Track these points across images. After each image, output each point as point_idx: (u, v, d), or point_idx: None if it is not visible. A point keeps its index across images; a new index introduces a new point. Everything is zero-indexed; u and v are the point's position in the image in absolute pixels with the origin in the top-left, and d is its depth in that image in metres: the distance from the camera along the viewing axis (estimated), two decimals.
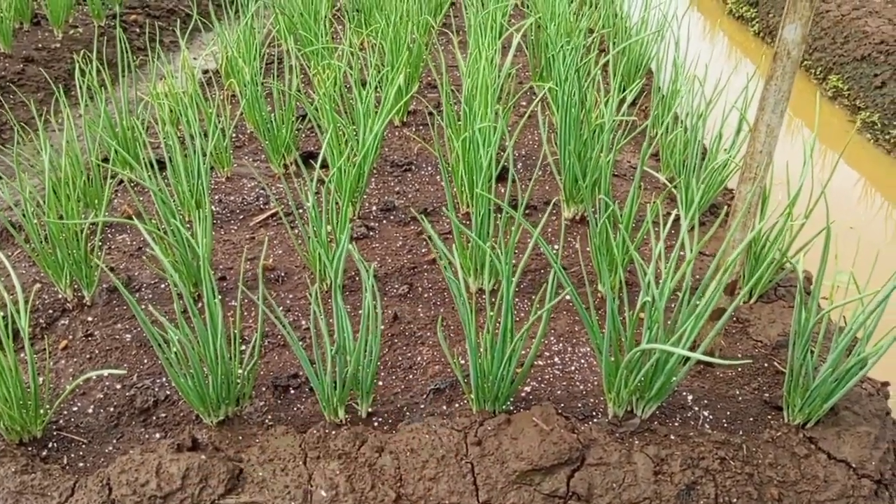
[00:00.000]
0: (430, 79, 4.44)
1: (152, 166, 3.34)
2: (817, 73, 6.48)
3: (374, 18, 4.59)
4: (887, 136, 5.28)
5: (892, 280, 1.72)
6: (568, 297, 2.43)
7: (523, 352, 2.12)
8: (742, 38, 7.73)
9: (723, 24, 8.29)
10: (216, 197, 3.09)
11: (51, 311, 2.38)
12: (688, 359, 1.77)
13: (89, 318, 2.35)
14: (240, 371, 1.94)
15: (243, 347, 2.18)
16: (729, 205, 3.14)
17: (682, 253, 2.53)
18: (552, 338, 2.24)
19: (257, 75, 3.52)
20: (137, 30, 6.12)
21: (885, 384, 2.27)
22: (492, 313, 1.86)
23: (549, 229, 2.84)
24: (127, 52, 3.62)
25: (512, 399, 1.98)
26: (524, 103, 4.13)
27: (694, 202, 1.94)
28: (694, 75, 3.34)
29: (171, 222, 2.28)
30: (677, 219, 2.95)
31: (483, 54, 3.06)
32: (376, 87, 3.65)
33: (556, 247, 2.71)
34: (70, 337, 2.28)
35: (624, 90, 4.25)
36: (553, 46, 3.54)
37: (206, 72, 5.32)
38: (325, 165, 3.27)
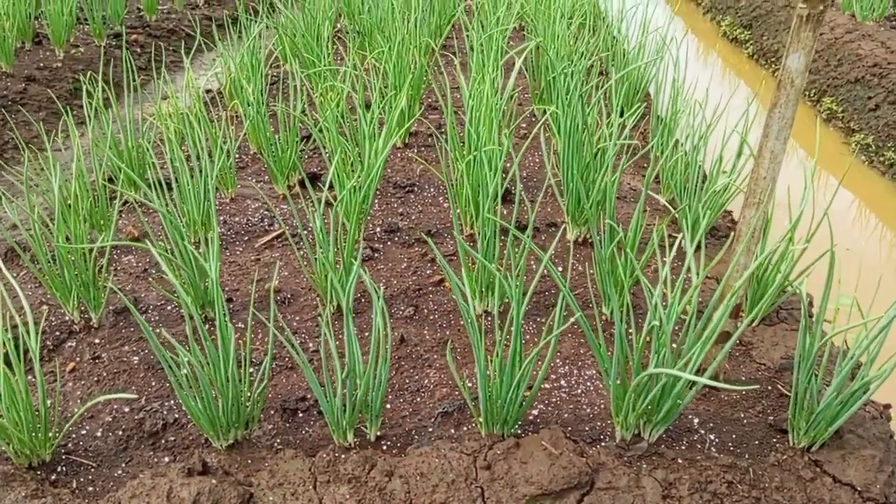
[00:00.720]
0: (430, 100, 4.48)
1: (160, 186, 3.37)
2: (811, 95, 6.55)
3: (376, 40, 4.63)
4: (881, 159, 5.34)
5: (894, 307, 1.75)
6: (574, 318, 2.45)
7: (532, 374, 2.14)
8: (736, 60, 7.82)
9: (717, 47, 8.38)
10: (221, 218, 3.10)
11: (58, 333, 2.39)
12: (695, 383, 1.79)
13: (97, 341, 2.36)
14: (249, 394, 1.95)
15: (251, 370, 2.19)
16: (729, 227, 3.18)
17: (687, 275, 2.56)
18: (558, 360, 2.26)
19: (261, 96, 3.55)
20: (139, 49, 6.16)
21: (888, 407, 2.30)
22: (499, 336, 1.88)
23: (554, 252, 2.86)
24: (132, 70, 3.64)
25: (520, 422, 1.99)
26: (525, 125, 4.18)
27: (701, 226, 1.97)
28: (694, 100, 3.38)
29: (181, 244, 2.29)
30: (679, 241, 2.99)
31: (486, 78, 3.09)
32: (380, 108, 3.69)
33: (560, 268, 2.74)
34: (78, 359, 2.28)
35: (623, 112, 4.30)
36: (554, 70, 3.59)
37: (208, 91, 5.35)
38: (330, 186, 3.30)
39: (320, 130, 3.35)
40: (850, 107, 6.04)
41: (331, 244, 2.33)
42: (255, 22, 4.76)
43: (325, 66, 4.14)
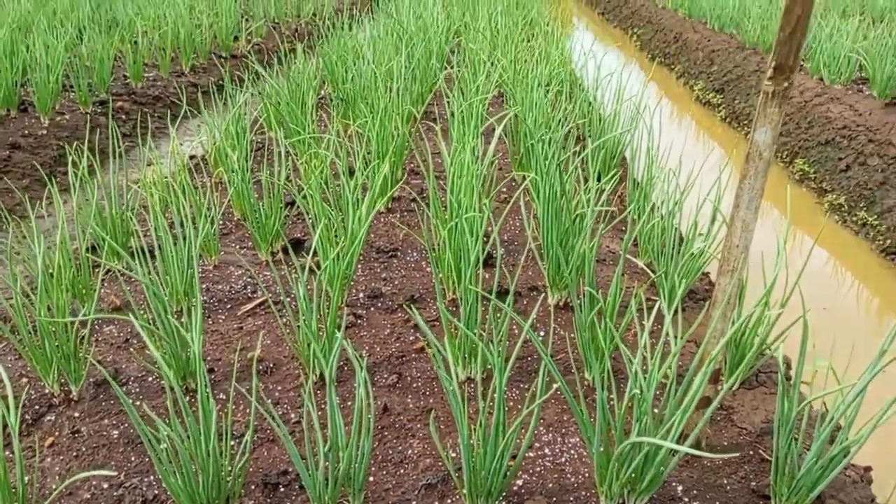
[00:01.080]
0: (413, 165, 4.56)
1: (143, 254, 3.37)
2: (784, 156, 6.74)
3: (359, 108, 4.74)
4: (854, 218, 5.47)
5: (869, 371, 1.78)
6: (556, 386, 2.46)
7: (515, 441, 2.14)
8: (709, 123, 8.04)
9: (691, 110, 8.63)
10: (204, 286, 3.11)
11: (37, 407, 2.36)
12: (677, 450, 1.80)
13: (76, 414, 2.34)
14: (230, 468, 1.93)
15: (233, 443, 2.18)
16: (707, 290, 3.23)
17: (666, 338, 2.59)
18: (542, 428, 2.26)
19: (246, 164, 3.61)
20: (124, 116, 6.23)
21: (868, 469, 2.31)
22: (483, 405, 1.88)
23: (535, 316, 2.89)
24: (117, 138, 3.69)
25: (504, 493, 1.98)
26: (506, 189, 4.25)
27: (677, 294, 2.01)
28: (668, 169, 3.48)
29: (163, 316, 2.30)
30: (657, 306, 3.03)
31: (466, 147, 3.17)
32: (363, 174, 3.75)
33: (541, 333, 2.76)
34: (57, 433, 2.26)
35: (600, 177, 4.39)
36: (532, 137, 3.68)
37: (192, 157, 5.41)
38: (314, 253, 3.32)
39: (304, 198, 3.40)
40: (822, 168, 6.21)
41: (313, 313, 2.35)
42: (241, 90, 4.86)
43: (308, 133, 4.22)
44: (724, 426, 2.33)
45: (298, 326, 2.43)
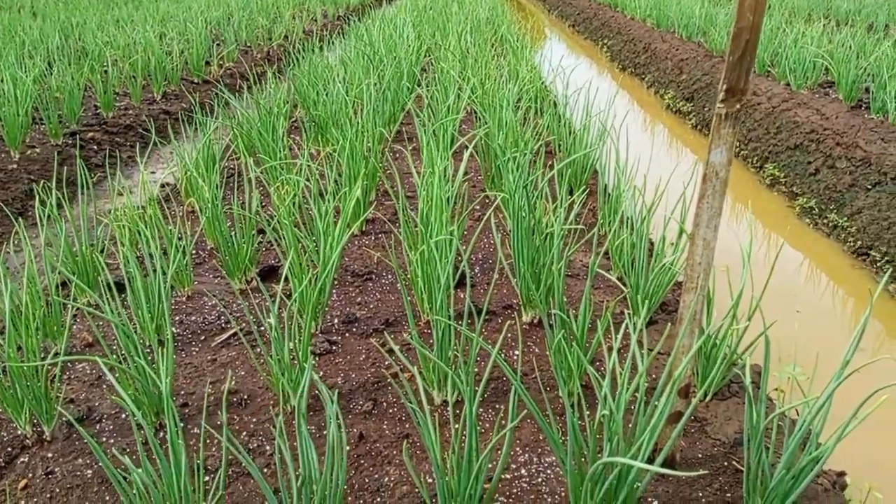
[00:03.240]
0: (386, 187, 4.57)
1: (112, 289, 3.35)
2: (754, 162, 6.83)
3: (330, 132, 4.75)
4: (825, 221, 5.55)
5: (834, 380, 1.81)
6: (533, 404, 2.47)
7: (490, 464, 2.14)
8: (681, 132, 8.13)
9: (662, 118, 8.72)
10: (177, 318, 3.10)
11: (10, 449, 2.33)
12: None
13: (49, 455, 2.31)
14: None
15: (207, 479, 2.16)
16: (679, 301, 3.26)
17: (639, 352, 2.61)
18: (518, 448, 2.27)
19: (217, 193, 3.60)
20: (95, 147, 6.20)
21: (842, 474, 2.34)
22: (455, 430, 1.89)
23: (509, 334, 2.91)
24: (85, 173, 3.68)
25: None
26: (479, 207, 4.28)
27: (642, 311, 2.03)
28: (638, 178, 3.52)
29: (132, 353, 2.29)
30: (625, 324, 3.05)
31: (436, 169, 3.19)
32: (335, 198, 3.76)
33: (516, 352, 2.77)
34: (30, 475, 2.23)
35: (572, 191, 4.43)
36: (502, 156, 3.71)
37: (164, 186, 5.40)
38: (287, 278, 3.32)
39: (275, 228, 3.39)
40: (792, 172, 6.30)
41: (284, 344, 2.35)
42: (212, 118, 4.86)
43: (280, 160, 4.22)
44: (697, 438, 2.35)
45: (271, 357, 2.43)
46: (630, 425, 2.00)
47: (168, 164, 5.97)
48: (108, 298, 2.51)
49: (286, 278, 3.21)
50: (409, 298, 3.11)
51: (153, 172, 6.03)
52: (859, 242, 5.12)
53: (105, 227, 3.63)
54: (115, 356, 2.57)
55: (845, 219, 5.39)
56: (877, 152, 5.54)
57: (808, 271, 5.08)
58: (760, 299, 2.27)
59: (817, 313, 4.37)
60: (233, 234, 3.38)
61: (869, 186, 5.42)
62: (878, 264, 4.85)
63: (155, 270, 2.81)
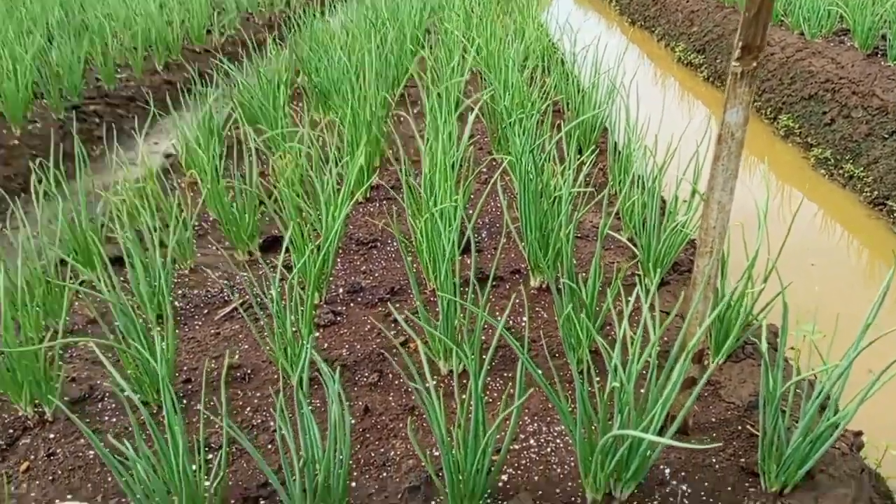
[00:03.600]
0: (392, 151, 4.48)
1: (108, 268, 3.30)
2: (768, 113, 6.65)
3: (333, 99, 4.64)
4: (841, 171, 5.41)
5: (853, 349, 1.73)
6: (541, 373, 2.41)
7: (499, 434, 2.09)
8: (693, 84, 7.94)
9: (673, 71, 8.52)
10: (179, 291, 3.05)
11: (11, 431, 2.31)
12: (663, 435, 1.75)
13: (51, 436, 2.28)
14: (206, 484, 1.88)
15: (210, 456, 2.13)
16: (691, 260, 3.17)
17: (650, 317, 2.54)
18: (526, 418, 2.22)
19: (218, 164, 3.53)
20: (97, 120, 6.13)
21: (859, 434, 2.28)
22: (464, 397, 1.83)
23: (518, 300, 2.84)
24: (82, 150, 3.60)
25: (489, 490, 1.94)
26: (486, 170, 4.18)
27: (652, 279, 1.95)
28: (649, 139, 3.40)
29: (131, 339, 2.24)
30: (636, 291, 2.97)
31: (440, 135, 3.09)
32: (338, 165, 3.68)
33: (524, 319, 2.71)
34: (32, 457, 2.21)
35: (581, 151, 4.32)
36: (508, 118, 3.60)
37: (169, 156, 5.33)
38: (290, 249, 3.26)
39: (276, 198, 3.31)
40: (807, 122, 6.13)
41: (287, 317, 2.29)
42: (213, 87, 4.76)
43: (281, 129, 4.14)
44: (711, 402, 2.29)
45: (274, 333, 2.37)
46: (642, 391, 1.94)
47: (171, 135, 5.89)
48: (105, 277, 2.46)
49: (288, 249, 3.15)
50: (413, 268, 3.05)
51: (156, 143, 5.95)
52: (876, 192, 4.98)
53: (105, 204, 3.57)
54: (116, 335, 2.52)
55: (861, 169, 5.24)
56: (894, 101, 5.37)
57: (823, 223, 4.96)
58: (776, 260, 2.18)
59: (833, 266, 4.26)
60: (234, 206, 3.31)
61: (886, 136, 5.26)
62: (895, 214, 4.73)
63: (155, 245, 2.76)
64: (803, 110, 6.26)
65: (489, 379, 2.40)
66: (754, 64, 1.71)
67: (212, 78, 5.41)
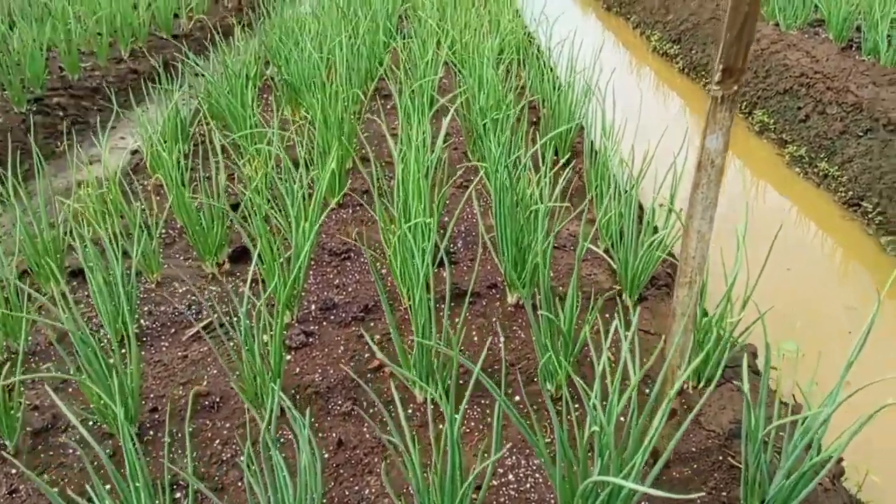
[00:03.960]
0: (363, 152, 4.38)
1: (78, 275, 3.18)
2: (742, 108, 6.63)
3: (303, 96, 4.52)
4: (815, 170, 5.41)
5: (836, 390, 1.70)
6: (519, 399, 2.37)
7: (477, 465, 2.04)
8: (668, 75, 7.89)
9: (648, 61, 8.47)
10: (145, 308, 2.95)
11: None
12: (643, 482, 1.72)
13: (13, 471, 2.19)
14: None
15: (178, 495, 2.05)
16: (668, 273, 3.14)
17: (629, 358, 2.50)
18: (505, 451, 2.17)
19: (184, 167, 3.41)
20: (61, 113, 5.93)
21: (839, 461, 2.27)
22: (441, 426, 1.78)
23: (494, 318, 2.78)
24: (41, 163, 3.45)
25: None
26: (462, 172, 4.10)
27: (632, 306, 1.90)
28: (621, 147, 3.35)
29: (94, 361, 2.15)
30: (619, 294, 2.93)
31: (413, 141, 3.01)
32: (308, 171, 3.58)
33: (501, 340, 2.65)
34: None
35: (557, 152, 4.26)
36: (482, 119, 3.53)
37: (135, 152, 5.17)
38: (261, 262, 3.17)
39: (246, 210, 3.21)
40: (781, 118, 6.12)
41: (256, 345, 2.21)
42: (177, 83, 4.61)
43: (250, 128, 4.02)
44: (691, 429, 2.25)
45: (240, 359, 2.29)
46: (622, 418, 1.90)
47: (137, 128, 5.71)
48: (62, 300, 2.35)
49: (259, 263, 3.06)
50: (386, 285, 2.97)
51: (122, 138, 5.78)
52: (850, 193, 4.99)
53: (69, 209, 3.44)
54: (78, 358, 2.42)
55: (836, 168, 5.25)
56: (868, 97, 5.36)
57: (798, 224, 4.96)
58: (754, 289, 2.14)
59: (809, 272, 4.26)
60: (201, 215, 3.20)
61: (860, 133, 5.26)
62: (870, 215, 4.74)
63: (118, 257, 2.66)
64: (778, 105, 6.25)
65: (466, 406, 2.34)
66: (735, 88, 1.65)
67: (178, 69, 5.26)
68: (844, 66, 5.87)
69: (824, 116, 5.68)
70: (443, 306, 2.77)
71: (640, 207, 3.97)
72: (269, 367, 2.22)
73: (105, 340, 2.72)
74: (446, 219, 3.55)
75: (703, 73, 7.47)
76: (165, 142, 4.05)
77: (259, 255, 2.71)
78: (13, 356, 2.67)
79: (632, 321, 2.77)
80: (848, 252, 4.55)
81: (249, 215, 3.09)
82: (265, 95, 5.60)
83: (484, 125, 3.72)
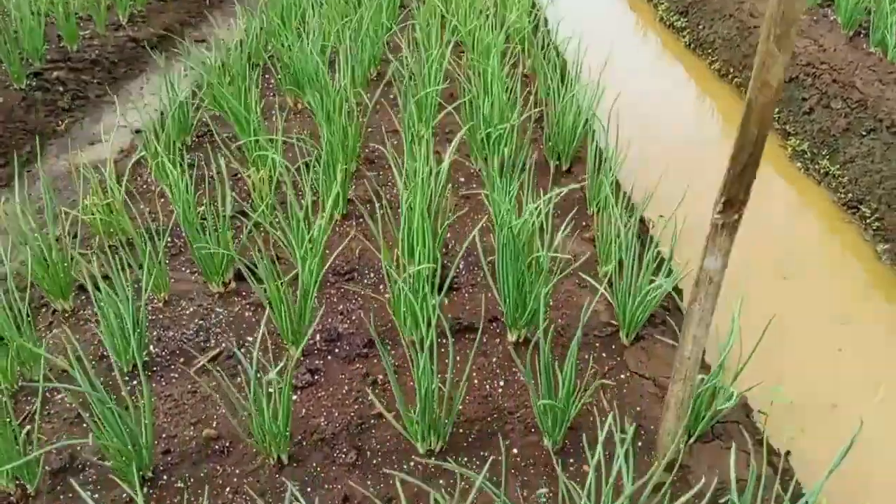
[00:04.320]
0: (367, 152, 4.38)
1: (85, 291, 3.24)
2: (745, 94, 6.58)
3: (305, 90, 4.50)
4: (817, 167, 5.42)
5: (817, 490, 1.80)
6: (516, 451, 2.48)
7: None
8: (677, 50, 7.80)
9: (656, 30, 8.35)
10: (154, 333, 3.03)
11: None
12: None
13: None
14: None
15: None
16: (666, 309, 3.21)
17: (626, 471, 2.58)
18: None
19: (189, 177, 3.42)
20: (61, 88, 5.89)
21: None
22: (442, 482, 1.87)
23: (494, 357, 2.87)
24: (40, 160, 3.48)
25: None
26: (463, 179, 4.12)
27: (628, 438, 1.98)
28: (624, 191, 3.38)
29: (104, 408, 2.23)
30: (616, 331, 3.02)
31: (418, 175, 3.04)
32: (311, 180, 3.62)
33: (500, 383, 2.75)
34: None
35: (560, 157, 4.27)
36: (487, 126, 3.53)
37: (138, 131, 5.16)
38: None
39: (249, 231, 3.24)
40: (785, 108, 6.09)
41: (265, 403, 2.29)
42: (181, 48, 4.58)
43: (253, 133, 4.03)
44: (679, 487, 2.37)
45: (249, 399, 2.37)
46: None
47: (140, 101, 5.66)
48: (71, 333, 2.43)
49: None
50: (386, 321, 3.02)
51: (124, 113, 5.75)
52: (850, 195, 5.02)
53: (74, 215, 3.49)
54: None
55: (837, 167, 5.26)
56: (874, 95, 5.34)
57: (797, 226, 4.99)
58: (747, 363, 2.23)
59: (803, 281, 4.29)
60: (208, 237, 3.23)
61: (863, 133, 5.26)
62: (868, 221, 4.78)
63: (128, 295, 2.72)
64: (783, 94, 6.21)
65: (465, 458, 2.45)
66: (736, 216, 1.70)
67: (181, 35, 5.19)
68: (852, 59, 5.82)
69: (828, 111, 5.66)
70: (445, 341, 2.85)
71: (642, 221, 4.02)
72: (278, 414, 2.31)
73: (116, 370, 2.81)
74: (448, 235, 3.60)
75: (709, 50, 7.37)
76: (167, 135, 4.06)
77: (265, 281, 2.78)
78: (27, 388, 2.76)
79: (628, 363, 2.87)
80: (843, 259, 4.59)
81: (255, 233, 3.12)
82: (266, 77, 5.55)
83: (485, 150, 3.73)
